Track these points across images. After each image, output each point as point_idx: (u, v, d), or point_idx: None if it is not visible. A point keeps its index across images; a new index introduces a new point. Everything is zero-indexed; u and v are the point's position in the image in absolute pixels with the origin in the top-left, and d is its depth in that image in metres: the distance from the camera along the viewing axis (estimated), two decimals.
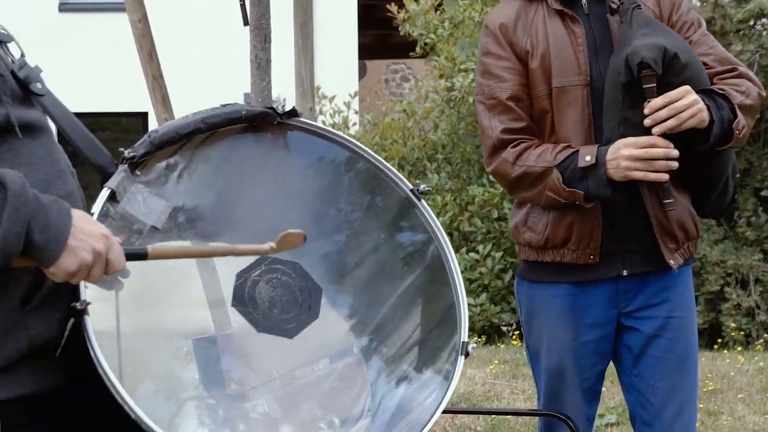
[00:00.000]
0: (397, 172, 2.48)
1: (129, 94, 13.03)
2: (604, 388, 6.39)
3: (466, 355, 2.35)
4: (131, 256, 1.95)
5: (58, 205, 1.81)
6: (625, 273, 3.19)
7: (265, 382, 2.27)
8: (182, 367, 2.18)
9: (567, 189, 3.05)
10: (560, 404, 3.27)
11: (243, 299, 2.25)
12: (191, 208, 2.23)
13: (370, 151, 2.45)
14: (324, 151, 2.41)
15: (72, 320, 1.94)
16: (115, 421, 1.92)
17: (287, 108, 2.32)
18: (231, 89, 9.95)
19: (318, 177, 2.42)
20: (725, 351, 9.12)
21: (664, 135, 3.00)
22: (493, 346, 9.37)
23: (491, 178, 11.13)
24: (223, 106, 2.26)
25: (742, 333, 9.52)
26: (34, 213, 1.75)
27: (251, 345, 2.27)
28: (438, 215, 10.01)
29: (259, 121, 2.29)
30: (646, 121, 2.99)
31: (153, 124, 12.86)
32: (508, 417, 5.93)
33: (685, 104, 2.97)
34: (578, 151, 3.07)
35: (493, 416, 5.91)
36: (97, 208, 2.02)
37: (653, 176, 3.02)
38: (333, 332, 2.38)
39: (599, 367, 3.31)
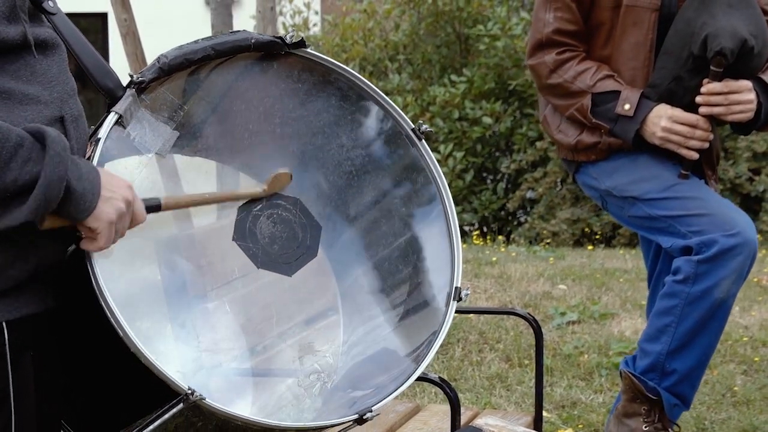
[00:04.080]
0: (400, 110, 2.48)
1: None
2: (565, 287, 6.50)
3: (459, 299, 2.40)
4: (148, 209, 2.01)
5: (83, 160, 1.83)
6: None
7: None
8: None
9: (593, 120, 3.13)
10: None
11: (244, 233, 2.26)
12: (195, 136, 2.22)
13: (373, 86, 2.45)
14: (328, 84, 2.41)
15: (72, 246, 1.94)
16: (104, 344, 1.93)
17: (296, 39, 2.32)
18: None
19: (321, 110, 2.41)
20: None
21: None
22: None
23: (452, 77, 11.12)
24: (232, 33, 2.25)
25: None
26: (69, 164, 1.76)
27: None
28: None
29: (267, 50, 2.29)
30: (699, 99, 3.06)
31: (113, 25, 12.70)
32: (470, 316, 6.00)
33: (740, 99, 3.04)
34: (620, 92, 3.11)
35: (455, 315, 5.96)
36: (104, 132, 2.01)
37: (684, 152, 3.10)
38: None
39: None
